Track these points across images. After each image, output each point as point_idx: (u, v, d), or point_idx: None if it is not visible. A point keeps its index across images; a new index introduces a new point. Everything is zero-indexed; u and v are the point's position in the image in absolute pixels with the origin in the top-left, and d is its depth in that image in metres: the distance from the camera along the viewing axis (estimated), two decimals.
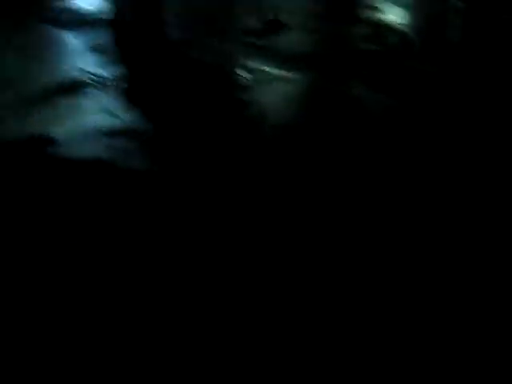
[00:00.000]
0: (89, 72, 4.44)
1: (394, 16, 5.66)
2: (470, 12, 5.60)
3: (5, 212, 2.98)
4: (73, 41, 4.90)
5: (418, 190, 3.24)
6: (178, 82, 4.40)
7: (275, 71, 4.48)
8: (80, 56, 4.70)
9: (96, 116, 3.90)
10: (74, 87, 4.20)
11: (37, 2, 5.50)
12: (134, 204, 3.06)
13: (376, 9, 5.80)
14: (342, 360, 2.26)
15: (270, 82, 4.32)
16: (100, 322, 2.38)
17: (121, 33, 4.98)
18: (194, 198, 3.11)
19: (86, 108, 3.97)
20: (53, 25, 5.09)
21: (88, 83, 4.28)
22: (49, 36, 4.99)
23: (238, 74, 4.50)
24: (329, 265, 2.69)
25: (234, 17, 5.58)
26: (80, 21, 5.16)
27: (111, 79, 4.37)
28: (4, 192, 3.13)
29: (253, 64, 4.59)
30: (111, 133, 3.72)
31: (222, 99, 4.13)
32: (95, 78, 4.37)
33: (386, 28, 5.37)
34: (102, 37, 4.91)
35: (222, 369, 2.22)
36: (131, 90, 4.38)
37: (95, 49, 4.77)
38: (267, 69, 4.52)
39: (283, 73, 4.45)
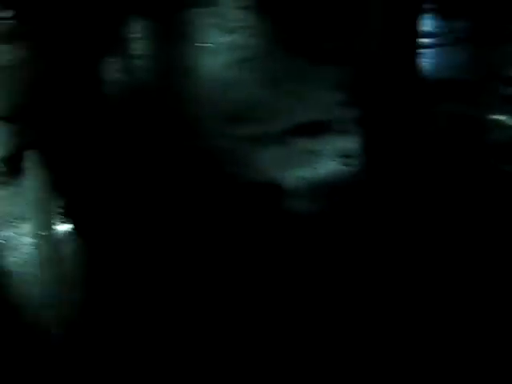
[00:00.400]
0: (330, 112, 4.28)
1: None
2: None
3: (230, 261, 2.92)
4: (323, 76, 4.79)
5: None
6: (424, 133, 4.04)
7: None
8: (326, 93, 4.56)
9: (330, 163, 3.72)
10: (313, 128, 4.06)
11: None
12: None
13: None
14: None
15: None
16: None
17: (371, 71, 4.74)
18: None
19: (321, 153, 3.81)
20: (309, 59, 5.04)
21: (327, 125, 4.12)
22: (301, 70, 4.94)
23: (491, 132, 4.00)
24: None
25: (495, 63, 5.03)
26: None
27: (352, 122, 4.16)
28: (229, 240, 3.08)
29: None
30: (344, 186, 3.51)
31: (470, 158, 3.68)
32: (336, 119, 4.19)
33: None
34: (352, 73, 4.72)
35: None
36: (372, 136, 4.14)
37: (342, 86, 4.60)
38: None
39: None
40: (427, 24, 5.58)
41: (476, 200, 3.30)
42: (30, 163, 3.66)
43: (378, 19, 4.75)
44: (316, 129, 4.05)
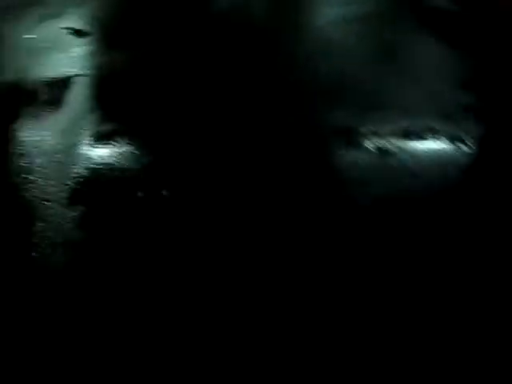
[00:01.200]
0: (447, 117, 3.36)
1: None
2: None
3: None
4: (448, 64, 3.84)
5: None
6: None
7: None
8: (446, 88, 3.63)
9: (429, 190, 2.90)
10: (418, 136, 3.21)
11: None
12: None
13: None
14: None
15: None
16: None
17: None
18: None
19: (420, 173, 2.98)
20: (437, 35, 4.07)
21: (439, 135, 3.24)
22: (423, 49, 3.98)
23: None
24: None
25: None
26: None
27: (473, 135, 3.25)
28: None
29: None
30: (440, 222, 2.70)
31: None
32: (451, 129, 3.29)
33: None
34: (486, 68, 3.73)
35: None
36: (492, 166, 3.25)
37: (470, 84, 3.62)
38: None
39: None
40: None
41: None
42: None
43: None
44: (422, 138, 3.19)
